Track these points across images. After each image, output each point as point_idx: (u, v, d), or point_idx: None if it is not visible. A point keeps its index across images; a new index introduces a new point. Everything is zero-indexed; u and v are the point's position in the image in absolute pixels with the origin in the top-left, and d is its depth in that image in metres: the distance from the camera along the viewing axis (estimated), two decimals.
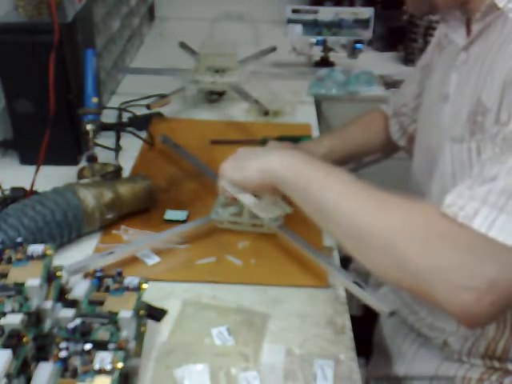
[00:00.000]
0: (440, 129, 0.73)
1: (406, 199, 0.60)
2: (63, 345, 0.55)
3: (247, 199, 0.77)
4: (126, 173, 0.99)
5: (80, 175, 0.98)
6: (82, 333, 0.57)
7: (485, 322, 0.60)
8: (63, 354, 0.54)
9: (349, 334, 0.70)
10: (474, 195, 0.53)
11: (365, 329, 0.83)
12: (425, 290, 0.56)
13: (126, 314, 0.60)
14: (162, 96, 1.20)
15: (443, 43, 0.81)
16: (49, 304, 0.60)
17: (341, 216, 0.62)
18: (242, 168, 0.74)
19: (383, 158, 1.06)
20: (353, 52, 1.57)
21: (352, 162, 1.03)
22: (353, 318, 0.73)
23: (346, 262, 0.99)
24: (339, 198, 0.62)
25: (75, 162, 1.02)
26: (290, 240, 0.82)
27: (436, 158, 0.73)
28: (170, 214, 0.89)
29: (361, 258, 0.62)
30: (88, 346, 0.55)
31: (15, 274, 0.61)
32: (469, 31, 0.70)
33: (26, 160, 1.01)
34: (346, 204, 0.62)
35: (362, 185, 0.63)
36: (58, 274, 0.65)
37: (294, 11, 1.69)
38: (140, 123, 1.15)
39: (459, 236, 0.53)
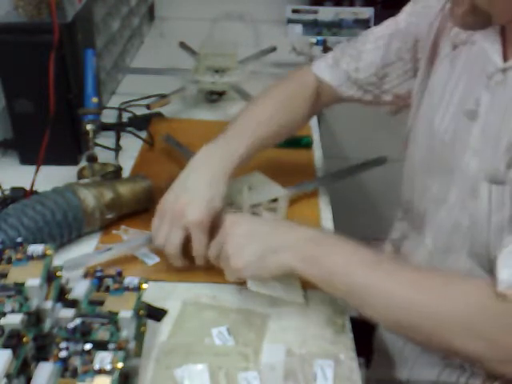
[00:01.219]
0: (460, 145, 0.70)
1: (451, 279, 0.60)
2: (63, 345, 0.55)
3: (277, 292, 0.72)
4: (126, 173, 0.99)
5: (80, 175, 0.98)
6: (82, 333, 0.57)
7: None
8: (63, 354, 0.54)
9: (349, 334, 0.70)
10: None
11: (365, 330, 0.83)
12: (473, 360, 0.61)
13: (125, 314, 0.60)
14: (162, 96, 1.20)
15: (455, 40, 0.74)
16: (49, 304, 0.60)
17: (381, 304, 0.62)
18: (260, 267, 0.68)
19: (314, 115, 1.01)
20: None
21: (281, 136, 0.92)
22: (353, 320, 0.73)
23: None
24: (383, 290, 0.62)
25: (75, 162, 1.02)
26: None
27: (453, 170, 0.71)
28: None
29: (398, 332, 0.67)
30: (88, 346, 0.55)
31: (15, 274, 0.61)
32: (505, 49, 0.67)
33: (26, 160, 1.01)
34: (388, 293, 0.61)
35: (397, 267, 0.63)
36: (58, 273, 0.65)
37: (294, 11, 1.69)
38: (140, 123, 1.15)
39: None
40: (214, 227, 0.74)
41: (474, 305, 0.58)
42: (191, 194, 0.75)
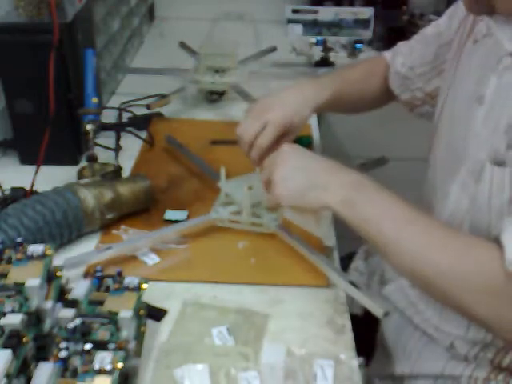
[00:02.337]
0: (468, 131, 0.70)
1: (474, 241, 0.62)
2: (63, 345, 0.55)
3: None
4: (126, 173, 0.99)
5: (80, 175, 0.98)
6: (82, 333, 0.57)
7: None
8: (63, 354, 0.54)
9: (349, 334, 0.70)
10: None
11: (366, 328, 0.83)
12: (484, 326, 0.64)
13: (125, 314, 0.60)
14: (162, 96, 1.20)
15: (477, 36, 0.75)
16: (49, 304, 0.60)
17: (405, 258, 0.64)
18: (299, 200, 0.72)
19: (380, 106, 1.07)
20: (353, 52, 1.57)
21: (349, 106, 1.02)
22: (355, 317, 0.73)
23: (347, 260, 0.99)
24: (411, 249, 0.64)
25: (75, 162, 1.02)
26: (289, 240, 0.82)
27: (459, 158, 0.71)
28: (170, 214, 0.89)
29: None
30: (88, 346, 0.55)
31: (15, 274, 0.61)
32: None
33: (26, 160, 1.01)
34: (417, 250, 0.63)
35: (429, 228, 0.64)
36: (58, 273, 0.65)
37: (294, 11, 1.69)
38: (140, 123, 1.15)
39: None
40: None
41: (486, 273, 0.59)
42: (281, 101, 0.88)
